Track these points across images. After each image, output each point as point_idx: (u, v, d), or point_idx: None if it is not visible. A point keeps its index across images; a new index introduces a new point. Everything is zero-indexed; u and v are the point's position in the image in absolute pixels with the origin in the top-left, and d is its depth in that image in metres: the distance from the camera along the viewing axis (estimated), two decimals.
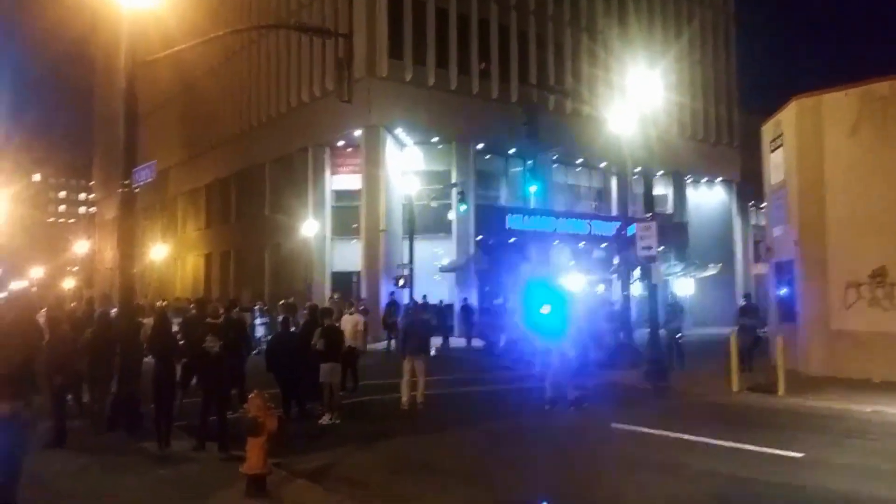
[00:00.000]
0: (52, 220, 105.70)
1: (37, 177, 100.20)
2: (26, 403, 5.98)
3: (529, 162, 34.82)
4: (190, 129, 46.81)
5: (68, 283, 55.32)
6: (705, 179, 44.34)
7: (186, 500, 7.45)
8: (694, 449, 9.70)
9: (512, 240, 33.43)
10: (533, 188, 33.80)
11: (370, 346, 24.94)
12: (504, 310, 26.00)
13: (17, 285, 50.63)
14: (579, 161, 37.61)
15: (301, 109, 34.90)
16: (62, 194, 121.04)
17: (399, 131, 31.58)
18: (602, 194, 39.75)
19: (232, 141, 41.78)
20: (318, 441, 10.29)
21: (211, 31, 19.66)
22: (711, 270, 36.37)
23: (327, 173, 33.89)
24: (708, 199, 44.64)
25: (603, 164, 37.60)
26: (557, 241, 35.01)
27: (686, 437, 10.28)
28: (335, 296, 24.27)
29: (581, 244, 36.55)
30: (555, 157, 35.77)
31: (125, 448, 9.56)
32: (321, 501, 7.51)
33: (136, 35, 11.89)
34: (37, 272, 63.95)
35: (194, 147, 46.41)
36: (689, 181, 42.65)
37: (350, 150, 33.04)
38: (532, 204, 34.35)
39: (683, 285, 36.23)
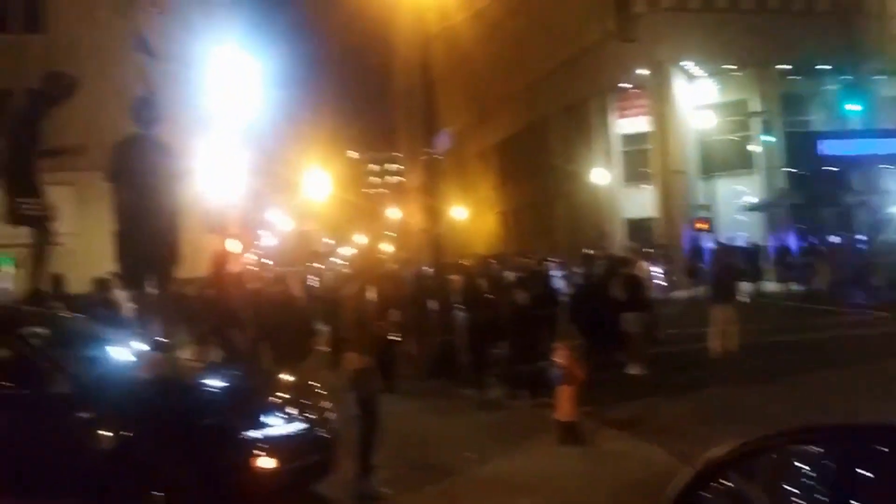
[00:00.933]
0: (366, 191, 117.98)
1: (352, 154, 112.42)
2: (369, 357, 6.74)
3: (846, 78, 30.28)
4: (478, 91, 48.65)
5: (386, 248, 61.53)
6: None
7: (505, 443, 7.85)
8: None
9: (828, 169, 29.61)
10: (852, 107, 29.41)
11: (673, 294, 24.05)
12: (831, 249, 23.25)
13: (345, 252, 57.92)
14: None
15: (583, 56, 34.22)
16: (373, 167, 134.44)
17: (689, 64, 29.46)
18: None
19: (517, 97, 42.59)
20: (625, 391, 10.17)
21: None
22: None
23: (614, 118, 33.01)
24: None
25: None
26: (887, 166, 30.22)
27: None
28: (630, 244, 23.74)
29: None
30: (878, 68, 30.65)
31: (447, 393, 10.39)
32: (633, 449, 7.44)
33: (423, 9, 12.55)
34: (360, 239, 72.09)
35: (484, 107, 48.22)
36: None
37: (636, 91, 31.74)
38: (852, 126, 29.97)
39: None
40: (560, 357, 7.94)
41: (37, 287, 7.46)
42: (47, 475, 5.30)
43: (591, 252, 14.99)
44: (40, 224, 6.99)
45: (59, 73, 7.44)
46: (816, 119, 31.26)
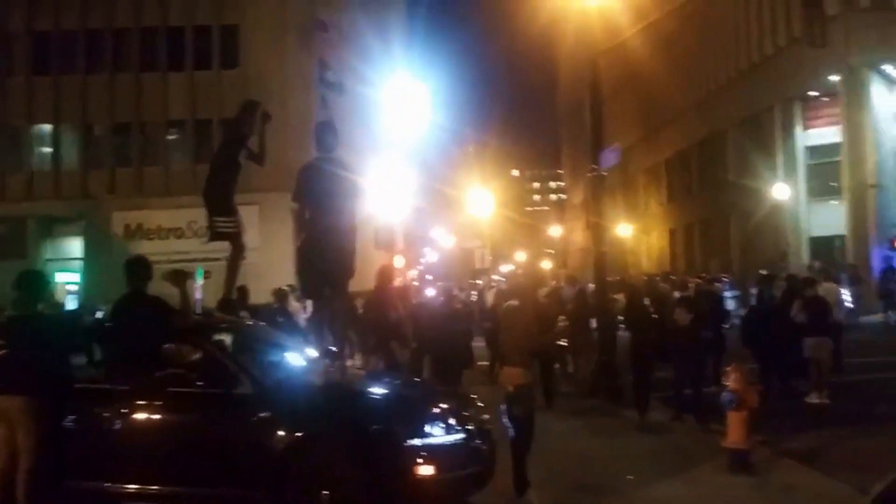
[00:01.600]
0: (528, 208, 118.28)
1: (515, 172, 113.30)
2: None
3: None
4: (646, 107, 47.47)
5: (546, 265, 61.33)
6: None
7: (670, 468, 7.57)
8: None
9: None
10: None
11: (863, 319, 21.98)
12: None
13: (505, 269, 58.36)
14: None
15: (764, 64, 32.33)
16: (536, 185, 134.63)
17: (888, 67, 26.97)
18: None
19: (689, 111, 41.07)
20: (804, 421, 9.43)
21: (654, 9, 19.53)
22: None
23: (799, 129, 30.79)
24: None
25: None
26: None
27: None
28: (815, 264, 21.97)
29: None
30: None
31: (607, 413, 10.17)
32: (811, 482, 6.91)
33: (592, 25, 12.51)
34: (520, 256, 72.34)
35: (652, 123, 46.98)
36: None
37: (826, 99, 29.45)
38: None
39: None
40: (732, 381, 7.56)
41: (228, 297, 8.21)
42: (230, 467, 5.82)
43: (768, 272, 14.07)
44: (235, 240, 7.73)
45: (254, 102, 8.20)
46: None
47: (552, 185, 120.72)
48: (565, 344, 11.19)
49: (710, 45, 37.38)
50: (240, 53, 32.41)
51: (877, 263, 24.69)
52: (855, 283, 22.26)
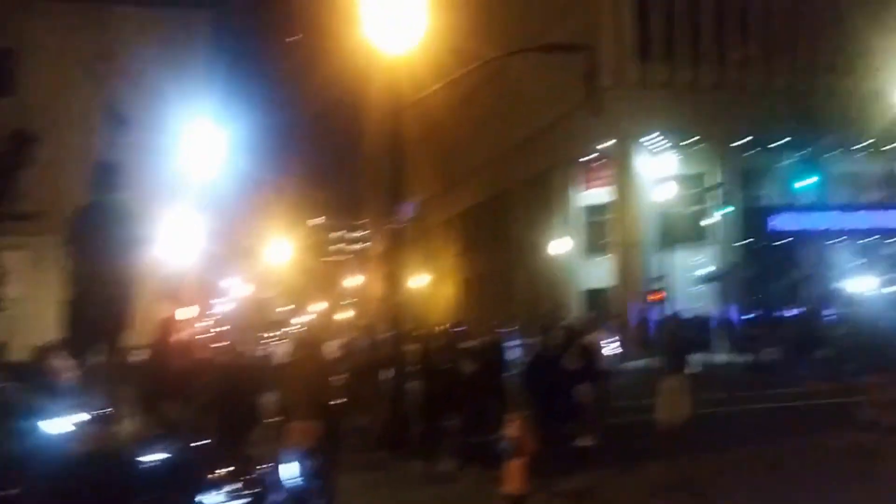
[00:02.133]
0: (327, 259, 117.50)
1: (315, 221, 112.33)
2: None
3: (800, 154, 31.51)
4: (443, 162, 49.58)
5: (345, 315, 61.09)
6: None
7: None
8: None
9: (781, 242, 30.54)
10: (810, 181, 30.49)
11: (628, 365, 24.21)
12: (779, 320, 23.83)
13: (299, 320, 57.34)
14: (860, 146, 33.12)
15: (549, 129, 35.18)
16: (336, 235, 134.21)
17: (651, 138, 30.51)
18: (891, 181, 34.65)
19: (483, 168, 43.46)
20: (576, 463, 10.14)
21: (455, 66, 20.71)
22: None
23: (577, 189, 33.74)
24: None
25: (890, 146, 32.59)
26: (837, 240, 31.30)
27: None
28: (586, 314, 24.01)
29: (866, 240, 32.25)
30: (830, 145, 31.93)
31: (394, 467, 10.24)
32: None
33: (395, 80, 12.91)
34: (316, 307, 71.50)
35: (450, 177, 49.05)
36: None
37: (601, 163, 32.57)
38: (805, 200, 31.07)
39: None
40: (511, 429, 7.92)
41: None
42: None
43: (548, 322, 15.09)
44: None
45: (20, 130, 7.50)
46: (771, 193, 32.39)
47: (354, 234, 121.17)
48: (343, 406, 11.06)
49: (504, 106, 40.07)
50: (18, 79, 29.48)
51: (637, 314, 27.44)
52: (619, 331, 24.59)
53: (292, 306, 67.71)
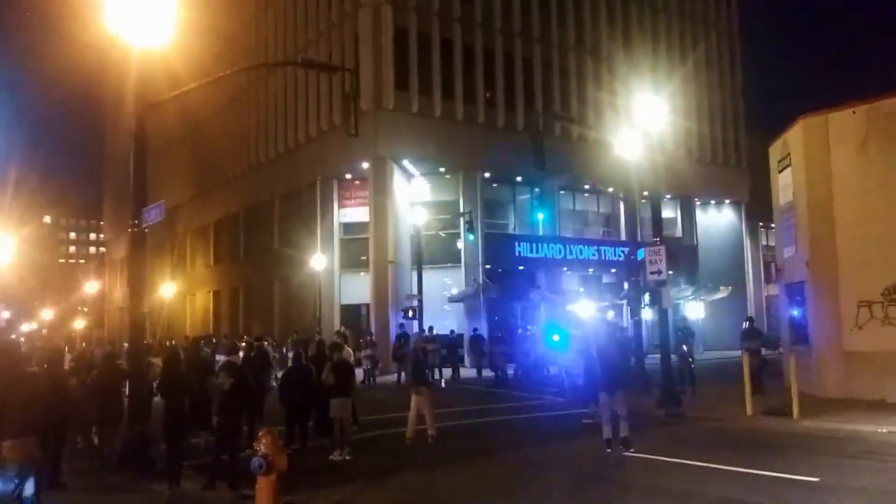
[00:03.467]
0: (62, 260, 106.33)
1: (47, 219, 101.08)
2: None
3: (537, 189, 34.97)
4: (198, 168, 47.31)
5: (79, 324, 55.49)
6: (714, 201, 44.25)
7: None
8: (709, 476, 9.55)
9: (521, 268, 33.42)
10: (540, 216, 34.00)
11: (381, 379, 24.86)
12: (517, 339, 25.90)
13: (27, 328, 50.93)
14: (587, 187, 37.55)
15: (309, 144, 35.22)
16: (73, 235, 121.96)
17: (406, 162, 31.78)
18: (610, 219, 39.67)
19: (240, 178, 42.17)
20: (328, 477, 10.20)
21: (218, 71, 19.93)
22: (722, 293, 36.17)
23: (335, 206, 34.04)
24: (717, 221, 44.51)
25: (611, 189, 37.43)
26: (566, 268, 35.01)
27: (700, 463, 10.15)
28: (342, 329, 24.24)
29: (590, 270, 36.50)
30: (562, 184, 35.79)
31: (133, 489, 9.49)
32: None
33: (144, 76, 12.06)
34: (47, 314, 64.26)
35: (203, 185, 46.88)
36: (697, 204, 42.55)
37: (358, 182, 33.23)
38: (540, 231, 34.39)
39: (694, 309, 36.02)
40: (263, 445, 7.73)
41: None
42: None
43: (303, 336, 15.02)
44: None
45: None
46: (513, 223, 35.35)
47: (91, 236, 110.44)
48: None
49: (266, 117, 39.27)
50: None
51: (393, 329, 28.30)
52: (374, 347, 25.22)
53: (12, 312, 59.71)
